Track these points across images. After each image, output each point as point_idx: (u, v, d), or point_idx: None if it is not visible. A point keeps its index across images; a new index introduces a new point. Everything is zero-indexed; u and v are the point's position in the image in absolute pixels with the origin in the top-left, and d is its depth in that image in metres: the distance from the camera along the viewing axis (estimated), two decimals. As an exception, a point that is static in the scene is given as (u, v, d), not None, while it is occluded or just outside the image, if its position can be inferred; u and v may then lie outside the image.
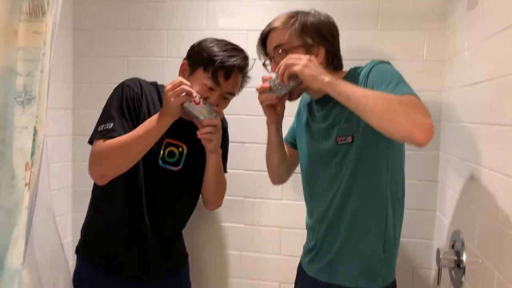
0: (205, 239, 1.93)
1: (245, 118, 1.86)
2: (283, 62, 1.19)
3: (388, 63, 1.26)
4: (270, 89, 1.27)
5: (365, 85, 1.19)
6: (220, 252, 1.94)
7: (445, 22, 1.70)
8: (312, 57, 1.19)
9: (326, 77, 1.13)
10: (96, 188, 1.50)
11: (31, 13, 1.02)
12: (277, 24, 1.30)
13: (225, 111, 1.50)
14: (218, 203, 1.63)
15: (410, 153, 1.72)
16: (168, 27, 1.93)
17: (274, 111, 1.35)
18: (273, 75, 1.27)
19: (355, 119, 1.21)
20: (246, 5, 1.87)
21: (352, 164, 1.23)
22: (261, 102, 1.32)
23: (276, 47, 1.29)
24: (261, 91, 1.28)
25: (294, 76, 1.19)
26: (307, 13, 1.30)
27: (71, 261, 1.72)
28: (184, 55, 1.78)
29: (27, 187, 1.03)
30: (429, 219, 1.75)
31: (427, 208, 1.75)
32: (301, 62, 1.16)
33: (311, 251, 1.37)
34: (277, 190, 1.85)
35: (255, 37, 1.37)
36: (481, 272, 1.19)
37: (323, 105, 1.32)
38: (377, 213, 1.25)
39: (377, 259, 1.26)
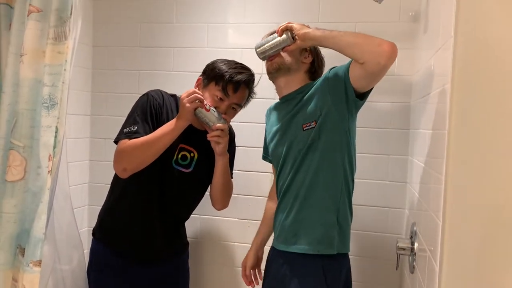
0: (204, 231, 2.16)
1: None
2: (285, 25, 1.47)
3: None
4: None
5: (326, 80, 1.45)
6: (216, 242, 2.16)
7: (414, 41, 1.91)
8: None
9: (317, 32, 1.43)
10: (115, 181, 1.70)
11: (56, 38, 1.30)
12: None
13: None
14: (225, 204, 1.80)
15: (383, 157, 1.96)
16: (174, 45, 2.17)
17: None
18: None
19: (318, 107, 1.44)
20: (241, 27, 2.10)
21: (314, 143, 1.43)
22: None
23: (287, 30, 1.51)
24: None
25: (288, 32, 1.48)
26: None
27: (87, 248, 1.96)
28: (189, 69, 2.05)
29: (49, 173, 1.30)
30: (399, 216, 1.94)
31: (397, 206, 1.94)
32: (293, 24, 1.46)
33: (277, 229, 1.55)
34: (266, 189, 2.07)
35: (249, 54, 1.59)
36: (423, 256, 1.36)
37: (290, 100, 1.55)
38: (333, 188, 1.45)
39: (333, 228, 1.45)
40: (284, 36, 1.49)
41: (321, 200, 1.46)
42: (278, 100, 1.63)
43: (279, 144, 1.58)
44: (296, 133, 1.50)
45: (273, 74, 1.56)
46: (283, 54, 1.53)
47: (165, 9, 2.18)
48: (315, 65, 1.59)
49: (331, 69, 1.48)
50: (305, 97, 1.51)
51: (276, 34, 1.52)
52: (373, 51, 1.30)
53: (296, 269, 1.47)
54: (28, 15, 1.30)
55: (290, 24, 1.48)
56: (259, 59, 1.60)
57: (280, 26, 1.49)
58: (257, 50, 1.56)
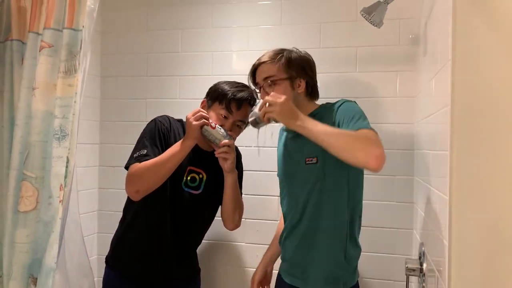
0: (216, 257, 2.17)
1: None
2: (264, 111, 1.40)
3: (354, 102, 1.49)
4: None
5: (335, 117, 1.42)
6: (227, 268, 2.15)
7: (415, 64, 1.94)
8: (286, 98, 1.39)
9: (298, 121, 1.37)
10: (127, 206, 1.73)
11: (66, 72, 1.35)
12: (265, 59, 1.53)
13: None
14: (237, 223, 1.80)
15: (388, 178, 1.97)
16: (180, 74, 2.23)
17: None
18: (256, 110, 1.51)
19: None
20: (245, 54, 2.15)
21: (318, 183, 1.44)
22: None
23: (266, 79, 1.51)
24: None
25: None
26: (290, 51, 1.55)
27: (97, 277, 1.97)
28: (194, 96, 2.09)
29: (60, 203, 1.33)
30: (407, 237, 1.94)
31: (404, 227, 1.94)
32: (276, 108, 1.37)
33: (286, 261, 1.57)
34: (274, 213, 2.09)
35: None
36: (432, 277, 1.36)
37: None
38: (339, 227, 1.45)
39: (340, 267, 1.45)
40: (271, 121, 1.44)
41: (328, 241, 1.46)
42: None
43: (285, 171, 1.60)
44: (299, 165, 1.50)
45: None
46: None
47: (170, 39, 2.25)
48: (310, 84, 1.56)
49: (343, 106, 1.44)
50: None
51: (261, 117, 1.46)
52: (361, 161, 1.29)
53: None
54: (40, 51, 1.36)
55: (271, 115, 1.40)
56: None
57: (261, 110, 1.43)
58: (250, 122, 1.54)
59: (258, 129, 1.53)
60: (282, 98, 1.39)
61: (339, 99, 1.58)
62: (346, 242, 1.46)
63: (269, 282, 1.77)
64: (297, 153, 1.53)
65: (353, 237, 1.49)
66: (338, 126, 1.41)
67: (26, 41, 1.43)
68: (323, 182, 1.44)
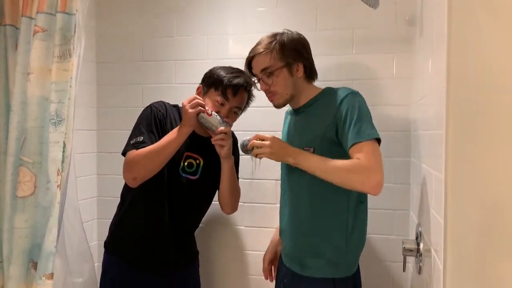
0: (215, 240, 2.18)
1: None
2: (255, 152, 1.44)
3: (358, 95, 1.45)
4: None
5: (337, 112, 1.41)
6: (226, 251, 2.17)
7: (411, 45, 1.94)
8: (272, 139, 1.43)
9: (289, 158, 1.42)
10: (125, 192, 1.74)
11: (61, 56, 1.34)
12: (259, 49, 1.50)
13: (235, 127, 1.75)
14: (234, 207, 1.84)
15: (385, 160, 1.92)
16: (175, 58, 2.21)
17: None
18: (246, 140, 1.51)
19: (317, 132, 1.45)
20: (241, 37, 2.14)
21: None
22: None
23: (263, 70, 1.50)
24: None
25: None
26: (282, 34, 1.51)
27: (97, 262, 1.98)
28: (190, 81, 2.09)
29: (58, 187, 1.33)
30: (403, 218, 1.96)
31: (401, 208, 1.96)
32: (266, 150, 1.41)
33: (285, 248, 1.58)
34: (271, 196, 2.10)
35: None
36: (429, 257, 1.38)
37: (300, 114, 1.56)
38: (340, 214, 1.45)
39: (341, 253, 1.45)
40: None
41: (328, 228, 1.47)
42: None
43: None
44: None
45: (280, 108, 1.58)
46: (282, 91, 1.50)
47: (165, 23, 2.23)
48: (307, 66, 1.54)
49: (346, 101, 1.41)
50: (312, 113, 1.52)
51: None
52: (359, 190, 1.38)
53: (304, 286, 1.49)
54: (33, 35, 1.35)
55: (262, 156, 1.45)
56: None
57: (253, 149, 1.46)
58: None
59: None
60: (269, 140, 1.43)
61: (338, 83, 1.58)
62: (347, 229, 1.46)
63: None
64: (296, 141, 1.53)
65: (357, 224, 1.48)
66: (337, 126, 1.41)
67: (20, 26, 1.41)
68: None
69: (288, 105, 1.61)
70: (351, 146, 1.35)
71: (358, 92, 1.46)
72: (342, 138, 1.39)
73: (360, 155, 1.32)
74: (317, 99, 1.53)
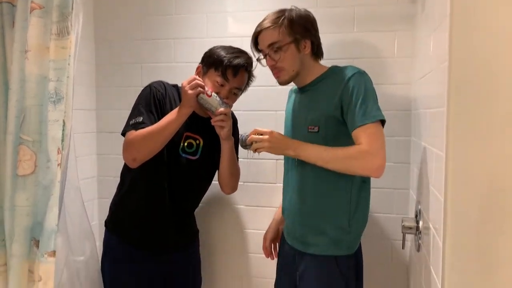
0: (215, 219, 2.20)
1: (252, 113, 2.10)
2: (254, 147, 1.45)
3: (365, 74, 1.44)
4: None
5: (343, 92, 1.40)
6: (226, 229, 2.19)
7: (413, 22, 1.91)
8: (271, 133, 1.44)
9: (290, 151, 1.43)
10: (125, 172, 1.74)
11: (58, 33, 1.33)
12: (267, 24, 1.49)
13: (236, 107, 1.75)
14: (234, 187, 1.85)
15: (386, 139, 1.95)
16: (174, 36, 2.19)
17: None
18: (244, 136, 1.52)
19: (322, 111, 1.45)
20: (241, 15, 2.11)
21: None
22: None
23: (270, 45, 1.48)
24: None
25: None
26: (290, 10, 1.50)
27: (98, 241, 1.99)
28: (189, 60, 2.07)
29: (59, 166, 1.33)
30: (403, 197, 1.97)
31: (401, 187, 1.97)
32: (266, 144, 1.43)
33: (288, 227, 1.60)
34: (272, 175, 2.11)
35: (249, 43, 1.59)
36: (428, 234, 1.39)
37: (305, 92, 1.55)
38: (343, 193, 1.46)
39: (343, 232, 1.47)
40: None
41: (330, 207, 1.48)
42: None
43: (289, 134, 1.61)
44: (302, 131, 1.51)
45: (285, 84, 1.57)
46: (289, 67, 1.49)
47: (164, 1, 2.20)
48: (315, 43, 1.54)
49: (353, 81, 1.41)
50: (318, 91, 1.51)
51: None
52: (362, 175, 1.42)
53: (308, 266, 1.50)
54: (30, 12, 1.33)
55: (261, 150, 1.46)
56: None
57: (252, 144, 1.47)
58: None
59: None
60: (267, 134, 1.44)
61: (338, 62, 1.58)
62: (350, 208, 1.47)
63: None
64: (301, 120, 1.53)
65: (360, 204, 1.49)
66: (343, 105, 1.41)
67: (16, 3, 1.39)
68: None
69: (292, 84, 1.60)
70: (355, 128, 1.36)
71: (364, 72, 1.45)
72: (347, 118, 1.40)
73: (362, 139, 1.34)
74: (323, 78, 1.52)
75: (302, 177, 1.51)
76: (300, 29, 1.49)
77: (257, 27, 1.53)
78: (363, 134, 1.34)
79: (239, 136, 1.56)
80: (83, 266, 1.70)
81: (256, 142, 1.44)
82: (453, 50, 1.10)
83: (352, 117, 1.38)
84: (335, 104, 1.42)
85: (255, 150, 1.46)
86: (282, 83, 1.54)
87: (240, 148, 1.86)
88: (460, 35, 1.06)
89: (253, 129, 1.49)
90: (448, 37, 1.12)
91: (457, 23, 1.08)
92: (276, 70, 1.51)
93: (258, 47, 1.55)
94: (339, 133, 1.43)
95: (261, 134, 1.45)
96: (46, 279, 1.32)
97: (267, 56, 1.52)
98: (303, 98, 1.57)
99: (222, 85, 1.63)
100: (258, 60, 1.59)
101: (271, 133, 1.44)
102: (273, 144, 1.43)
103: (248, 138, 1.47)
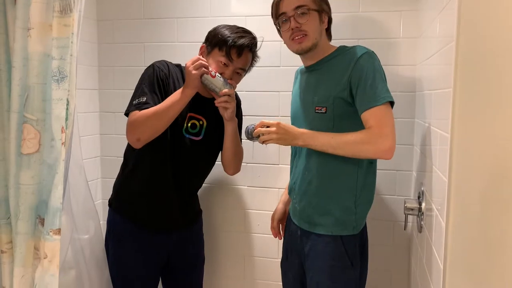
0: (218, 199, 2.22)
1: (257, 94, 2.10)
2: (262, 139, 1.43)
3: (373, 55, 1.43)
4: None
5: (351, 72, 1.40)
6: (229, 210, 2.20)
7: (419, 3, 1.88)
8: (280, 125, 1.42)
9: (298, 141, 1.42)
10: (128, 152, 1.74)
11: (61, 11, 1.31)
12: None
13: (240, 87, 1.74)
14: (237, 168, 1.85)
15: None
16: (177, 16, 2.16)
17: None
18: (250, 128, 1.51)
19: (330, 92, 1.44)
20: (245, -6, 2.08)
21: (327, 131, 1.43)
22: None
23: (297, 8, 1.45)
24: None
25: None
26: None
27: (102, 220, 2.01)
28: (192, 40, 2.05)
29: (63, 145, 1.33)
30: (406, 178, 1.97)
31: (404, 169, 1.97)
32: (274, 136, 1.41)
33: (294, 205, 1.61)
34: (275, 157, 2.11)
35: (253, 22, 1.58)
36: (430, 215, 1.40)
37: (313, 71, 1.54)
38: (350, 175, 1.47)
39: (349, 213, 1.48)
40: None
41: (336, 187, 1.48)
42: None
43: (296, 114, 1.61)
44: (309, 112, 1.50)
45: (303, 54, 1.54)
46: (312, 34, 1.46)
47: (167, -21, 2.17)
48: (331, 21, 1.56)
49: (361, 62, 1.40)
50: (325, 71, 1.50)
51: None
52: (372, 157, 1.44)
53: (314, 245, 1.51)
54: (32, -11, 1.31)
55: (270, 142, 1.44)
56: (261, 28, 1.64)
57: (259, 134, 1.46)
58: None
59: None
60: (274, 126, 1.42)
61: (343, 42, 1.57)
62: (357, 189, 1.48)
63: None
64: (309, 100, 1.52)
65: (366, 185, 1.50)
66: (351, 86, 1.40)
67: (18, -20, 1.37)
68: (332, 131, 1.44)
69: (298, 63, 1.60)
70: (365, 111, 1.36)
71: (373, 52, 1.44)
72: (356, 100, 1.39)
73: (372, 121, 1.34)
74: (332, 57, 1.51)
75: (309, 158, 1.52)
76: (323, 2, 1.51)
77: None
78: (373, 117, 1.34)
79: (245, 128, 1.55)
80: (88, 244, 1.72)
81: (263, 134, 1.43)
82: (460, 31, 1.09)
83: (361, 99, 1.37)
84: (343, 85, 1.41)
85: (262, 142, 1.45)
86: (303, 49, 1.49)
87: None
88: (468, 15, 1.04)
89: (259, 121, 1.48)
90: (456, 17, 1.10)
91: (465, 2, 1.07)
92: (299, 34, 1.47)
93: (280, 11, 1.50)
94: (346, 114, 1.43)
95: (268, 126, 1.44)
96: (52, 257, 1.33)
97: (291, 19, 1.47)
98: (310, 78, 1.56)
99: (226, 65, 1.62)
100: (278, 27, 1.55)
101: (278, 125, 1.43)
102: (281, 136, 1.42)
103: (255, 131, 1.46)
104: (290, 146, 1.65)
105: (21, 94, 1.33)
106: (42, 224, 1.35)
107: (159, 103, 1.57)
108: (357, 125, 1.40)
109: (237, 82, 1.70)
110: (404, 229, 1.72)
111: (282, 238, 1.76)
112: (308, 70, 1.57)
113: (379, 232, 1.99)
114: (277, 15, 1.52)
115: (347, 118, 1.43)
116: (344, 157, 1.42)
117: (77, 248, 1.67)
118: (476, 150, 0.94)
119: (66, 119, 1.32)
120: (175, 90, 1.60)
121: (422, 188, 1.59)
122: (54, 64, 1.32)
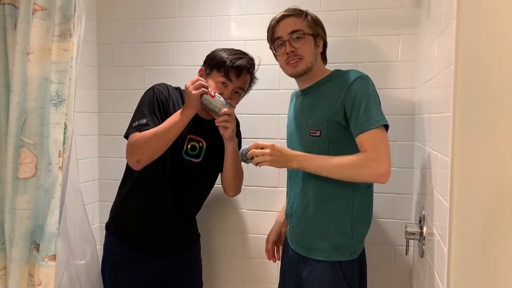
0: (216, 222, 2.18)
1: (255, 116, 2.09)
2: (255, 161, 1.42)
3: (367, 79, 1.44)
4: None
5: (345, 96, 1.40)
6: (228, 233, 2.17)
7: (417, 27, 1.90)
8: (275, 147, 1.41)
9: (293, 163, 1.41)
10: (127, 175, 1.72)
11: (61, 35, 1.32)
12: (291, 12, 1.50)
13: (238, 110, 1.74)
14: (238, 190, 1.84)
15: (389, 144, 1.94)
16: (177, 40, 2.18)
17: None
18: (245, 150, 1.50)
19: (324, 115, 1.44)
20: (244, 19, 2.10)
21: (324, 154, 1.42)
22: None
23: (293, 32, 1.47)
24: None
25: None
26: (307, 12, 1.52)
27: (99, 244, 1.98)
28: (192, 63, 2.07)
29: (60, 169, 1.32)
30: (407, 202, 1.95)
31: (405, 192, 1.95)
32: (267, 158, 1.40)
33: (291, 230, 1.59)
34: (274, 180, 2.09)
35: (252, 46, 1.60)
36: (432, 240, 1.37)
37: (308, 94, 1.55)
38: (346, 198, 1.45)
39: (346, 237, 1.46)
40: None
41: (332, 212, 1.47)
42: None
43: (292, 137, 1.60)
44: (304, 135, 1.50)
45: (297, 77, 1.55)
46: (307, 57, 1.48)
47: (167, 4, 2.19)
48: (325, 46, 1.58)
49: (355, 86, 1.41)
50: (319, 94, 1.51)
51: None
52: (368, 181, 1.43)
53: (312, 271, 1.48)
54: (33, 14, 1.32)
55: (263, 164, 1.43)
56: (260, 51, 1.66)
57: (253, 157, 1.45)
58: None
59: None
60: (269, 148, 1.41)
61: (342, 66, 1.58)
62: (353, 214, 1.46)
63: (283, 243, 1.78)
64: (303, 123, 1.52)
65: (364, 209, 1.49)
66: (345, 110, 1.40)
67: (19, 5, 1.39)
68: (327, 154, 1.43)
69: (294, 86, 1.60)
70: (359, 134, 1.36)
71: (367, 76, 1.45)
72: (351, 123, 1.39)
73: (367, 145, 1.33)
74: (326, 81, 1.52)
75: (304, 181, 1.50)
76: (319, 27, 1.53)
77: (278, 15, 1.53)
78: (368, 140, 1.34)
79: (240, 150, 1.54)
80: (84, 270, 1.69)
81: (257, 156, 1.42)
82: (459, 55, 1.09)
83: (355, 122, 1.37)
84: (336, 108, 1.41)
85: (256, 164, 1.44)
86: (298, 73, 1.50)
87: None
88: (466, 39, 1.05)
89: (253, 143, 1.46)
90: (454, 41, 1.10)
91: (464, 27, 1.07)
92: (294, 58, 1.48)
93: (276, 36, 1.52)
94: (341, 137, 1.43)
95: (262, 148, 1.43)
96: (46, 284, 1.30)
97: (287, 43, 1.49)
98: (305, 101, 1.56)
99: (225, 86, 1.64)
100: (273, 49, 1.57)
101: (272, 147, 1.41)
102: (275, 158, 1.41)
103: (249, 152, 1.45)
104: (286, 169, 1.64)
105: (19, 118, 1.32)
106: (37, 250, 1.33)
107: (159, 125, 1.57)
108: (353, 148, 1.39)
109: (237, 102, 1.71)
110: (406, 254, 1.69)
111: (278, 261, 1.73)
112: (303, 93, 1.58)
113: (380, 256, 1.96)
114: (273, 39, 1.54)
115: (342, 141, 1.43)
116: (340, 181, 1.41)
117: (73, 274, 1.64)
118: (477, 174, 0.93)
119: (64, 143, 1.32)
120: (174, 112, 1.60)
121: (423, 212, 1.57)
122: (53, 88, 1.32)
